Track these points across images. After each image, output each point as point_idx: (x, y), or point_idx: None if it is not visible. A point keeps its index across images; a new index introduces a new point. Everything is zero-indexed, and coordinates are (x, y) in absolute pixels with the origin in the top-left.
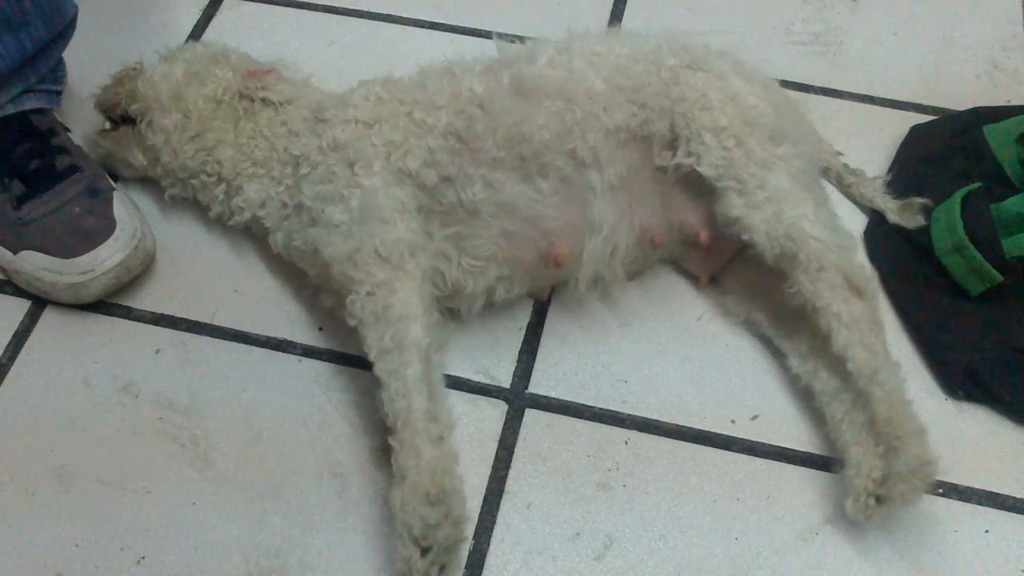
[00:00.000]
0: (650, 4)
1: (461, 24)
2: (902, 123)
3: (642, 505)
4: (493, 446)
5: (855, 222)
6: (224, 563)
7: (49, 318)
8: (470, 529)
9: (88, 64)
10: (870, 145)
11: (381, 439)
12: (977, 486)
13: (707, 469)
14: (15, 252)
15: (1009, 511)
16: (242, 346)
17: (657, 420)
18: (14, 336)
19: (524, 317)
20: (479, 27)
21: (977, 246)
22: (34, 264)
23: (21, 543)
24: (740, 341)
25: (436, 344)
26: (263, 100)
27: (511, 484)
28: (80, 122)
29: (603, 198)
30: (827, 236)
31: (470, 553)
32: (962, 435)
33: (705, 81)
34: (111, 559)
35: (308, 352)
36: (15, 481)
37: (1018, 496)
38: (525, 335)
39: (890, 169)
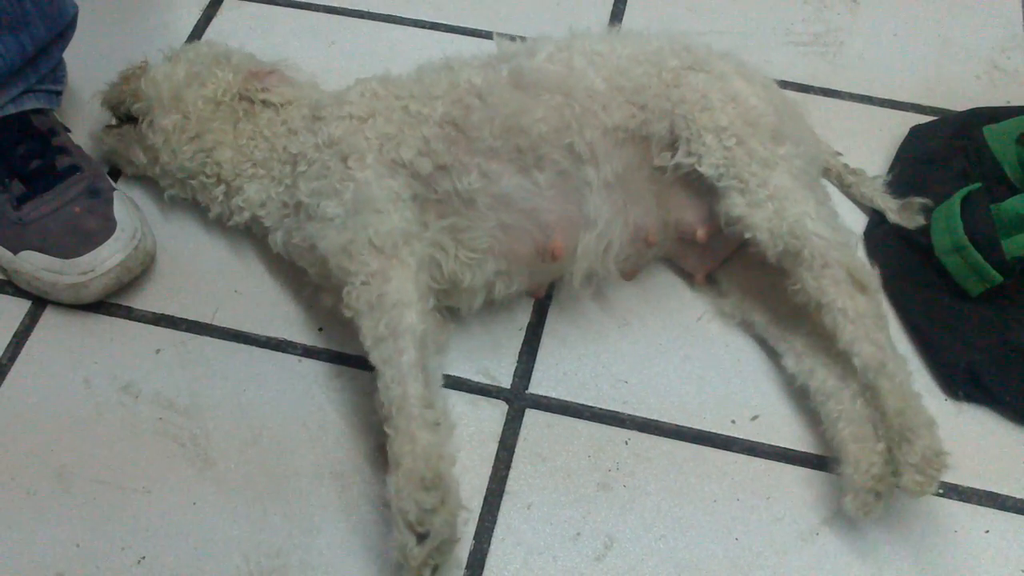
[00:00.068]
0: (650, 4)
1: (461, 24)
2: (902, 123)
3: (642, 505)
4: (493, 446)
5: (855, 222)
6: (224, 563)
7: (49, 318)
8: (469, 524)
9: (88, 64)
10: (870, 145)
11: (381, 439)
12: (977, 486)
13: (707, 469)
14: (15, 252)
15: (1009, 511)
16: (242, 346)
17: (657, 420)
18: (14, 336)
19: (524, 317)
20: (479, 27)
21: (977, 246)
22: (34, 264)
23: (21, 543)
24: (740, 341)
25: (434, 338)
26: (263, 102)
27: (511, 484)
28: (80, 122)
29: (599, 194)
30: (830, 233)
31: (470, 553)
32: (962, 435)
33: (706, 82)
34: (111, 559)
35: (308, 352)
36: (15, 481)
37: (1018, 496)
38: (525, 335)
39: (890, 169)
